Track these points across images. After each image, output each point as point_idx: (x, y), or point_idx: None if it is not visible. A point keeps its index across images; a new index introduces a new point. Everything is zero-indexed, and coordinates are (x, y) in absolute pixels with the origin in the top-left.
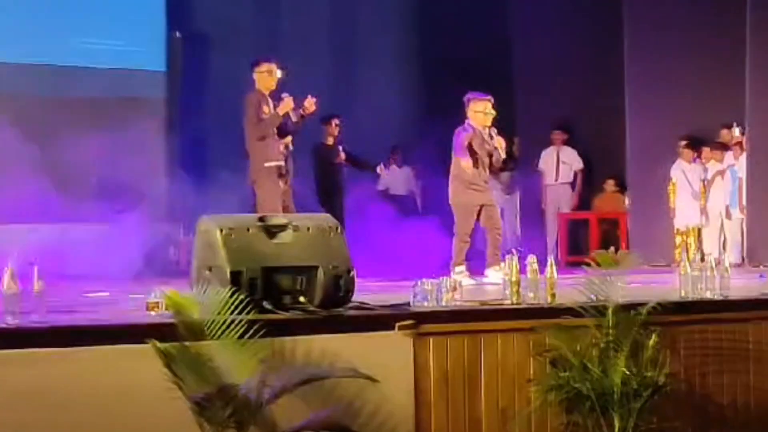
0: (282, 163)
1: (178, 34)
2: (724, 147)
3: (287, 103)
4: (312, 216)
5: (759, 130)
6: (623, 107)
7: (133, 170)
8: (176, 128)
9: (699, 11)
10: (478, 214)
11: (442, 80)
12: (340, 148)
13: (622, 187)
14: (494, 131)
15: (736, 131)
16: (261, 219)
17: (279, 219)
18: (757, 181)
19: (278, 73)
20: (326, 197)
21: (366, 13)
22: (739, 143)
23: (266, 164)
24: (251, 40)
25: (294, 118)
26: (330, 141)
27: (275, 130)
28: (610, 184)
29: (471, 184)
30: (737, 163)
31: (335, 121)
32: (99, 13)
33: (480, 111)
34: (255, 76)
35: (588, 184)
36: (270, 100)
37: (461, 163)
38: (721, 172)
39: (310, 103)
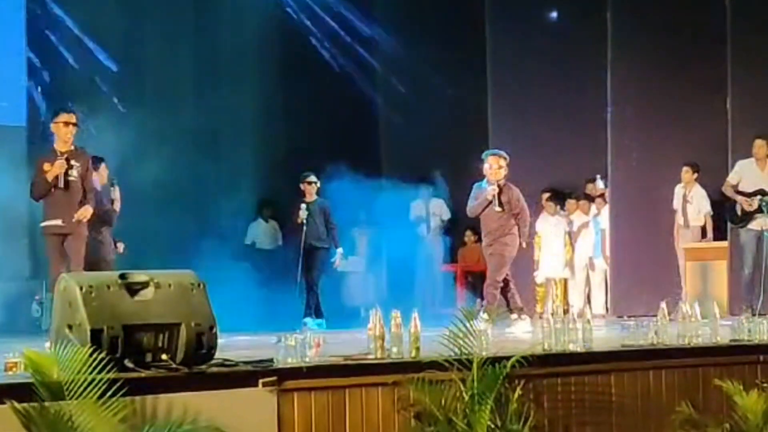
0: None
1: (39, 89)
2: (590, 199)
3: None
4: (174, 273)
5: (620, 182)
6: None
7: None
8: None
9: (559, 72)
10: None
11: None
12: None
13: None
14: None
15: (600, 184)
16: (122, 276)
17: (140, 276)
18: (620, 232)
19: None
20: None
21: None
22: (602, 195)
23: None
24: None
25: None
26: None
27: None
28: (469, 236)
29: None
30: (600, 215)
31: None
32: None
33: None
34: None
35: (453, 236)
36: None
37: None
38: (586, 224)
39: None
